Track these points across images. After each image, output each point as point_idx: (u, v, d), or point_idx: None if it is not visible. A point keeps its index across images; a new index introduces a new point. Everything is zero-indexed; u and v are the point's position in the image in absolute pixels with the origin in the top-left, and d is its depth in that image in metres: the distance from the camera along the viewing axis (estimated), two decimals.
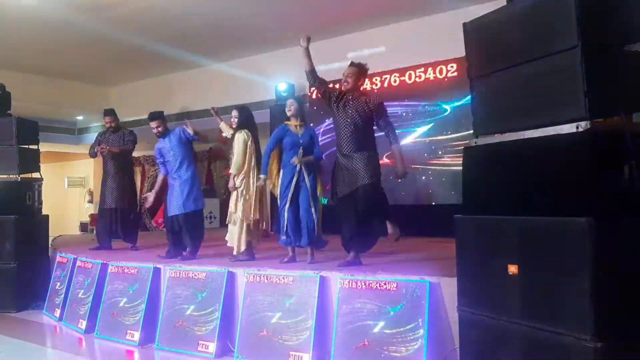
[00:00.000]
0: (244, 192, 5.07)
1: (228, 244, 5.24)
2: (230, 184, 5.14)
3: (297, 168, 4.76)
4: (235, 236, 5.10)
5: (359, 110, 4.47)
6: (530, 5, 2.70)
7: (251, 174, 5.11)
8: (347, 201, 4.44)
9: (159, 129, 5.61)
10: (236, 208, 5.09)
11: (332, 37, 8.58)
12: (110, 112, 6.78)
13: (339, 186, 4.51)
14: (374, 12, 7.58)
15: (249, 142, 5.12)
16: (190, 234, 5.44)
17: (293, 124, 4.87)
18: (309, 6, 7.43)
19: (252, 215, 5.07)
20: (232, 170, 5.10)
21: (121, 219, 6.58)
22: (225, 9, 7.41)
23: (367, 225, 4.38)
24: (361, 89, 4.70)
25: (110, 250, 6.45)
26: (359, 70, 4.56)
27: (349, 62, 4.65)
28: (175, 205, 5.45)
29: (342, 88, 4.62)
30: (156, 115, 5.66)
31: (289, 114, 4.89)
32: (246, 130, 5.15)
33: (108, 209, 6.58)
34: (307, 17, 7.82)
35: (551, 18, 2.56)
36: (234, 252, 5.11)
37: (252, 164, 5.13)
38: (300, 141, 4.80)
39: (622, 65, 2.50)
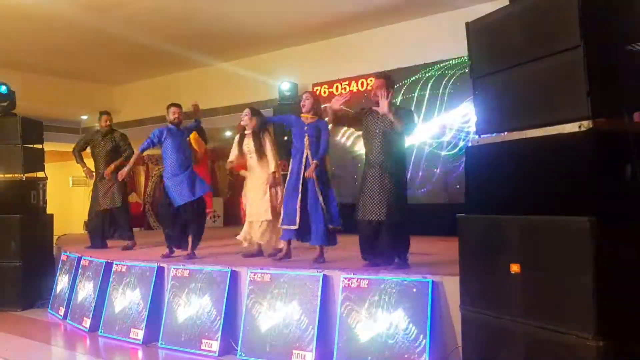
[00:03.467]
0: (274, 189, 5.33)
1: (264, 246, 5.36)
2: (271, 182, 5.30)
3: (304, 157, 4.79)
4: (268, 235, 5.30)
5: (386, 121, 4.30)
6: (533, 4, 2.71)
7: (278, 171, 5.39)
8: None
9: (180, 117, 5.66)
10: (269, 206, 5.28)
11: (335, 37, 8.58)
12: (106, 113, 6.81)
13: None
14: (375, 12, 7.57)
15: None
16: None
17: (304, 115, 4.94)
18: (312, 6, 7.42)
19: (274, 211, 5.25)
20: (273, 167, 5.31)
21: (111, 219, 6.60)
22: (228, 9, 7.41)
23: None
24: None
25: (107, 248, 6.47)
26: (386, 82, 4.36)
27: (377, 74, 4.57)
28: (189, 192, 5.48)
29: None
30: (179, 105, 5.74)
31: (304, 109, 4.94)
32: (269, 130, 5.47)
33: (102, 211, 6.59)
34: (310, 17, 7.82)
35: (553, 18, 2.56)
36: (271, 250, 5.25)
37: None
38: (305, 127, 4.83)
39: (624, 65, 2.51)
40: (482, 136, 3.03)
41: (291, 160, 4.94)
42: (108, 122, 6.71)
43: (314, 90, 8.70)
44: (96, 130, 6.87)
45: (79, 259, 5.68)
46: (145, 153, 6.19)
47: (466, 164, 3.19)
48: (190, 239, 5.46)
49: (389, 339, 3.49)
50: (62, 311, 5.54)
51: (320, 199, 4.72)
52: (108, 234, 6.70)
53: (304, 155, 4.80)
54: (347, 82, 8.41)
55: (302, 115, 4.93)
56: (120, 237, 6.63)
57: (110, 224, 6.65)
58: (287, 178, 4.91)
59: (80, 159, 6.76)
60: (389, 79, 4.41)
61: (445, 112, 7.34)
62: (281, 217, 4.90)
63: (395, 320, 3.51)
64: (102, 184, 6.62)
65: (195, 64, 10.03)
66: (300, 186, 4.77)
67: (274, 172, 5.31)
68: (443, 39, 6.87)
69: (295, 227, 4.74)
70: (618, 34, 2.52)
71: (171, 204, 5.44)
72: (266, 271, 4.23)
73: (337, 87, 8.50)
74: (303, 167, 4.78)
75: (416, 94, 7.60)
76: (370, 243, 4.38)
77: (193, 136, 6.80)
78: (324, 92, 8.63)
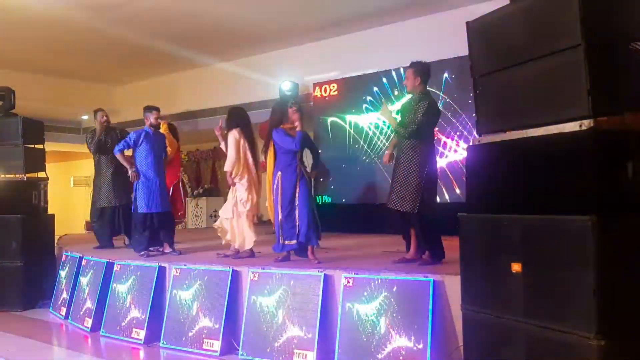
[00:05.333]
0: (244, 189, 5.20)
1: (230, 241, 5.31)
2: (229, 181, 5.26)
3: (297, 170, 4.75)
4: (236, 232, 5.21)
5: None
6: (533, 3, 2.70)
7: (246, 171, 5.23)
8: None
9: (159, 120, 5.81)
10: (238, 205, 5.19)
11: (335, 36, 8.59)
12: (101, 110, 6.79)
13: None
14: (376, 11, 7.58)
15: (240, 141, 5.24)
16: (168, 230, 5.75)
17: (289, 126, 4.87)
18: (312, 6, 7.43)
19: (247, 208, 5.18)
20: (226, 167, 5.22)
21: (123, 215, 6.56)
22: (229, 9, 7.42)
23: None
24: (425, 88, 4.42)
25: (114, 248, 6.47)
26: (414, 70, 4.33)
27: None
28: (161, 202, 5.61)
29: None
30: (159, 108, 5.86)
31: (294, 117, 4.82)
32: (237, 129, 5.26)
33: (109, 208, 6.59)
34: (310, 17, 7.82)
35: (554, 16, 2.56)
36: (236, 247, 5.19)
37: (249, 161, 5.25)
38: (298, 142, 4.79)
39: (625, 63, 2.50)
40: (482, 135, 3.03)
41: (279, 174, 4.77)
42: (104, 119, 6.67)
43: (315, 90, 8.73)
44: (94, 129, 6.84)
45: (80, 259, 5.69)
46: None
47: (467, 163, 3.19)
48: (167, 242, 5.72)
49: (390, 339, 3.49)
50: (63, 311, 5.55)
51: (309, 204, 4.73)
52: (115, 231, 6.67)
53: (297, 169, 4.75)
54: (347, 82, 8.42)
55: (284, 127, 4.84)
56: (126, 233, 6.62)
57: (120, 221, 6.58)
58: (281, 192, 4.72)
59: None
60: (417, 67, 4.33)
61: None
62: (281, 232, 4.75)
63: (397, 320, 3.51)
64: (104, 181, 6.59)
65: (196, 64, 10.04)
66: (297, 199, 4.71)
67: (229, 173, 5.26)
68: (444, 38, 6.87)
69: (295, 242, 4.70)
70: (619, 32, 2.51)
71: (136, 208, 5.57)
72: (267, 271, 4.23)
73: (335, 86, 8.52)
74: (297, 180, 4.72)
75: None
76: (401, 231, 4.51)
77: (166, 136, 6.79)
78: (323, 93, 8.66)
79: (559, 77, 2.53)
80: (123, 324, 4.73)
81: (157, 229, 5.64)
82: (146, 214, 5.55)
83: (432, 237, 4.34)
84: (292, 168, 4.74)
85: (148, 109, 5.77)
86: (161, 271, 4.78)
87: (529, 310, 2.56)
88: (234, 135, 5.24)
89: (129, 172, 5.63)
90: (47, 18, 7.41)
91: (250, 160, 5.26)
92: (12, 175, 6.28)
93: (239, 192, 5.22)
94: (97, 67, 10.28)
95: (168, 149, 6.51)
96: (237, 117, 5.37)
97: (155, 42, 8.45)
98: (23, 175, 6.25)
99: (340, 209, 8.25)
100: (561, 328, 2.38)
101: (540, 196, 2.59)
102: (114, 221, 6.57)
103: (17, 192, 6.22)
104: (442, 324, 3.46)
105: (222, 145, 5.49)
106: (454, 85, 7.25)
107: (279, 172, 4.78)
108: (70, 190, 15.65)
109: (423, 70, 4.33)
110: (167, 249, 5.74)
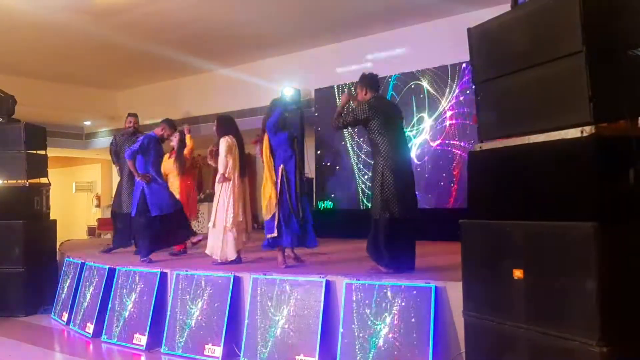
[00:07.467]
0: (227, 197, 5.17)
1: (207, 251, 5.28)
2: (220, 180, 5.22)
3: (298, 163, 4.82)
4: (219, 243, 5.16)
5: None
6: (535, 10, 2.71)
7: (234, 178, 5.21)
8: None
9: (164, 132, 5.98)
10: (219, 213, 5.17)
11: (337, 42, 8.61)
12: (131, 115, 6.88)
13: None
14: (377, 18, 7.60)
15: (233, 147, 5.26)
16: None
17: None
18: (314, 12, 7.45)
19: (238, 217, 5.14)
20: (221, 169, 5.20)
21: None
22: (231, 14, 7.45)
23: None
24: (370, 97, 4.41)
25: (123, 250, 6.48)
26: (360, 84, 4.46)
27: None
28: (173, 202, 5.76)
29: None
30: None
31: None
32: (230, 136, 5.29)
33: (121, 213, 6.59)
34: (312, 23, 7.85)
35: (555, 23, 2.56)
36: (219, 260, 5.17)
37: (237, 168, 5.25)
38: (295, 133, 4.93)
39: (626, 69, 2.50)
40: (484, 141, 3.03)
41: (282, 168, 4.83)
42: (132, 124, 6.77)
43: (316, 95, 8.74)
44: (121, 133, 6.94)
45: (82, 264, 5.70)
46: None
47: (469, 169, 3.18)
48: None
49: (392, 345, 3.48)
50: (65, 317, 5.55)
51: (309, 204, 4.89)
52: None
53: (296, 161, 4.82)
54: (348, 87, 8.42)
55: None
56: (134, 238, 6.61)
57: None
58: (287, 188, 4.79)
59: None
60: (361, 80, 4.47)
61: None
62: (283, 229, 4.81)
63: (398, 326, 3.50)
64: (123, 187, 6.64)
65: (198, 70, 10.07)
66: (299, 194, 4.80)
67: (224, 176, 5.21)
68: (444, 45, 6.89)
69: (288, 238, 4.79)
70: (620, 39, 2.51)
71: (147, 212, 5.58)
72: (269, 277, 4.23)
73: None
74: (299, 174, 4.79)
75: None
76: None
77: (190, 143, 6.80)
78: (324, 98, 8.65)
79: (561, 84, 2.53)
80: (125, 329, 4.73)
81: (169, 231, 5.68)
82: (156, 216, 5.58)
83: (388, 246, 4.17)
84: (292, 161, 4.82)
85: (168, 122, 6.01)
86: (163, 277, 4.78)
87: (531, 317, 2.55)
88: (226, 141, 5.24)
89: (138, 177, 5.67)
90: (50, 24, 7.44)
91: (238, 169, 5.24)
92: (15, 181, 6.30)
93: (221, 201, 5.18)
94: (99, 72, 10.32)
95: (188, 149, 6.61)
96: (228, 124, 5.44)
97: (157, 48, 8.48)
98: (25, 180, 6.27)
99: (342, 215, 8.25)
100: (563, 335, 2.38)
101: (542, 202, 2.59)
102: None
103: (19, 197, 6.24)
104: (444, 330, 3.46)
105: (212, 162, 5.51)
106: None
107: (282, 167, 4.83)
108: (72, 195, 15.66)
109: (368, 81, 4.45)
110: (194, 239, 5.96)
